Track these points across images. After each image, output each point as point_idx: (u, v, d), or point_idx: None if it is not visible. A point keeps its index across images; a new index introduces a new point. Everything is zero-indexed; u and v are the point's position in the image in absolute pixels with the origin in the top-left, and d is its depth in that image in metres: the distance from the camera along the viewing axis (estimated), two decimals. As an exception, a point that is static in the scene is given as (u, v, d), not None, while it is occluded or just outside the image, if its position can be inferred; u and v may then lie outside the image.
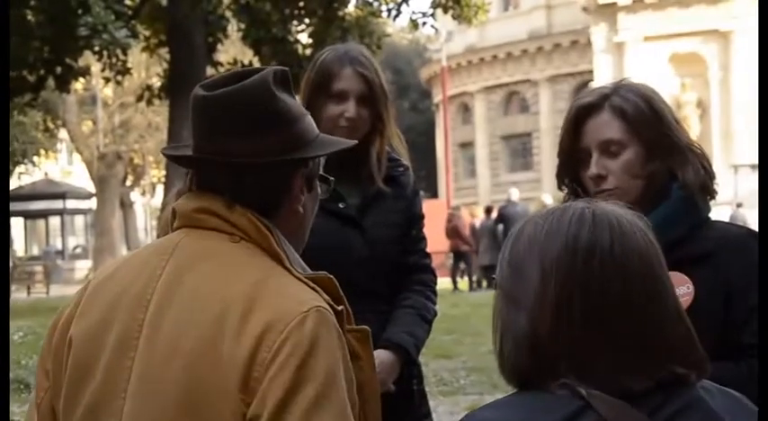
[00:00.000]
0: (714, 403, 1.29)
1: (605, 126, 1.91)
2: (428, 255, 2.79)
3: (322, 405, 1.35)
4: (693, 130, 29.79)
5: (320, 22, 15.50)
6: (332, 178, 1.67)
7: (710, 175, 1.94)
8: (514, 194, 20.32)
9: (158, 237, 2.13)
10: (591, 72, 32.85)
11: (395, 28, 41.14)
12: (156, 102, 16.82)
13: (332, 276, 1.52)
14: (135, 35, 14.23)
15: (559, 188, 2.04)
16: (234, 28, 16.32)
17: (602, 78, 31.80)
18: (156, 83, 17.54)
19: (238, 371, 1.37)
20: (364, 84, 2.58)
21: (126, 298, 1.49)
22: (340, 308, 1.48)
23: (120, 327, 1.48)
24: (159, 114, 28.30)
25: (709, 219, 1.94)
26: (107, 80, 16.29)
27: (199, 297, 1.44)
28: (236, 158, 1.49)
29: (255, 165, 1.50)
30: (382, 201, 2.64)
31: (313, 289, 1.47)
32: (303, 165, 1.55)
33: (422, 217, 2.78)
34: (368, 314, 2.52)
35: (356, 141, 1.69)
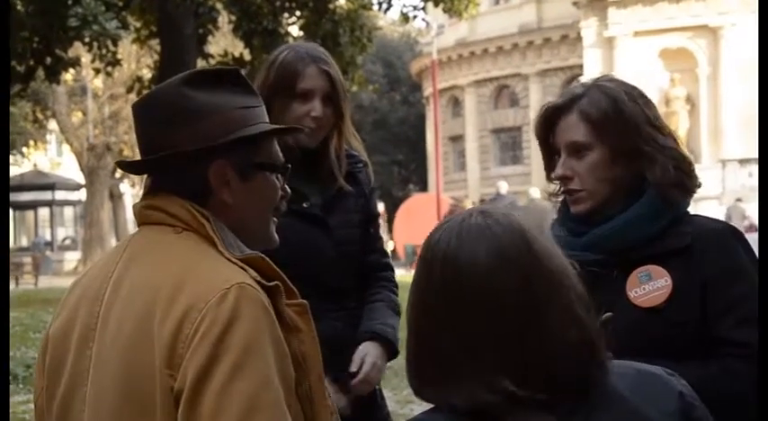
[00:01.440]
0: (627, 389, 1.30)
1: (572, 128, 1.96)
2: (387, 254, 2.80)
3: (240, 376, 1.40)
4: (682, 126, 29.91)
5: (311, 15, 15.51)
6: (287, 166, 1.71)
7: (686, 172, 1.96)
8: (503, 187, 20.36)
9: None
10: (581, 66, 32.92)
11: (386, 21, 41.15)
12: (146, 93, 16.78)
13: (263, 255, 1.59)
14: (125, 26, 14.21)
15: (547, 180, 2.08)
16: (224, 20, 16.31)
17: (592, 73, 31.87)
18: (147, 74, 17.52)
19: (165, 348, 1.44)
20: (328, 82, 2.55)
21: (87, 295, 1.61)
22: (272, 283, 1.53)
23: (81, 323, 1.59)
24: (149, 106, 28.14)
25: (687, 213, 1.97)
26: (97, 71, 16.25)
27: (137, 286, 1.54)
28: (156, 153, 1.58)
29: (175, 159, 1.58)
30: (344, 199, 2.62)
31: (242, 268, 1.53)
32: (220, 155, 1.59)
33: (378, 215, 2.79)
34: (340, 312, 2.54)
35: (272, 127, 1.70)
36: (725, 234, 1.93)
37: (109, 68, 15.38)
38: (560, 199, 2.07)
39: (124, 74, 25.64)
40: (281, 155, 1.71)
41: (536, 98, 38.31)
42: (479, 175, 39.23)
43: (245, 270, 1.53)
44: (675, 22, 30.40)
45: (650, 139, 1.93)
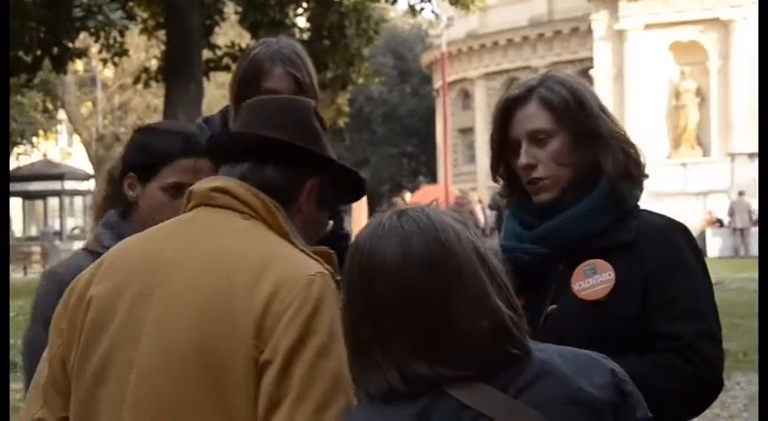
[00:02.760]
0: (561, 364, 1.36)
1: (533, 116, 1.96)
2: None
3: (325, 354, 1.51)
4: (692, 119, 29.79)
5: (317, 7, 15.52)
6: (341, 212, 1.82)
7: (635, 163, 1.97)
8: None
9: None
10: (591, 59, 32.81)
11: (397, 12, 41.09)
12: (154, 84, 16.83)
13: (332, 251, 1.70)
14: (131, 17, 14.25)
15: (494, 180, 2.09)
16: (231, 11, 16.32)
17: (603, 65, 31.80)
18: (154, 65, 17.56)
19: (252, 320, 1.53)
20: (294, 84, 2.60)
21: (141, 264, 1.66)
22: (338, 278, 1.61)
23: (134, 288, 1.63)
24: (158, 96, 28.24)
25: (636, 208, 1.97)
26: (104, 61, 16.30)
27: (212, 259, 1.60)
28: (259, 139, 1.68)
29: (277, 154, 1.68)
30: None
31: (315, 259, 1.63)
32: (317, 175, 1.72)
33: (348, 235, 2.79)
34: None
35: (363, 181, 1.83)
36: (667, 229, 1.93)
37: (116, 59, 15.44)
38: (508, 197, 2.08)
39: (133, 64, 25.70)
40: None
41: (546, 91, 38.20)
42: (488, 168, 39.15)
43: (320, 262, 1.63)
44: (686, 15, 30.22)
45: (605, 125, 1.95)
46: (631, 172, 1.95)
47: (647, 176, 1.99)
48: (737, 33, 29.73)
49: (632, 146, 1.98)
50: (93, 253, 2.12)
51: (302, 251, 1.65)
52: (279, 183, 1.69)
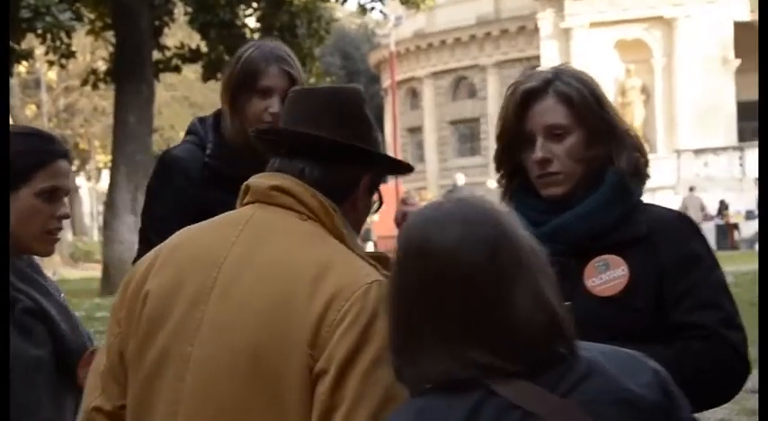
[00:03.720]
0: (606, 363, 1.35)
1: (551, 111, 1.94)
2: None
3: (380, 365, 1.49)
4: (637, 116, 30.24)
5: (268, 7, 15.44)
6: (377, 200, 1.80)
7: (644, 160, 1.99)
8: (460, 180, 20.51)
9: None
10: (538, 57, 33.11)
11: (344, 12, 41.06)
12: (102, 86, 16.61)
13: (389, 255, 1.66)
14: (79, 18, 14.04)
15: (498, 170, 2.08)
16: (180, 12, 16.18)
17: (549, 64, 31.92)
18: (102, 66, 17.33)
19: (308, 328, 1.53)
20: (289, 81, 2.64)
21: (200, 259, 1.66)
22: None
23: (193, 284, 1.64)
24: (105, 98, 27.87)
25: (640, 202, 1.99)
26: (51, 63, 16.05)
27: (272, 263, 1.60)
28: (316, 140, 1.66)
29: (335, 154, 1.67)
30: None
31: (372, 265, 1.63)
32: (373, 168, 1.71)
33: None
34: None
35: (412, 169, 1.83)
36: (679, 222, 1.96)
37: (63, 60, 15.21)
38: (508, 191, 2.07)
39: (79, 66, 25.34)
40: None
41: (494, 89, 38.48)
42: (438, 167, 39.36)
43: (376, 267, 1.62)
44: (631, 13, 30.70)
45: (619, 122, 1.97)
46: (640, 169, 1.97)
47: (649, 176, 2.00)
48: (680, 31, 30.28)
49: (642, 145, 2.00)
50: None
51: (359, 256, 1.64)
52: (336, 182, 1.68)
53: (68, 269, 23.44)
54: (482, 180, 30.60)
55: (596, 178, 1.95)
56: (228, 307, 1.59)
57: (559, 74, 1.97)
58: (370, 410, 1.49)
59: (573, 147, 1.94)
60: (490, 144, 38.82)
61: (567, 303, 1.87)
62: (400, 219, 18.76)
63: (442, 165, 39.22)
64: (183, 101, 31.72)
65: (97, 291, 14.36)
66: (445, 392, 1.33)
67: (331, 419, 1.50)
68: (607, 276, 1.88)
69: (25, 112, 31.08)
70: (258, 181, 1.71)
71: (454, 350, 1.32)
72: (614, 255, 1.89)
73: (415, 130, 41.30)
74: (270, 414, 1.54)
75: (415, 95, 41.85)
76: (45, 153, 2.06)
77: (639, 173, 1.97)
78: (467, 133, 40.07)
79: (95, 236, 35.38)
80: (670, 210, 2.02)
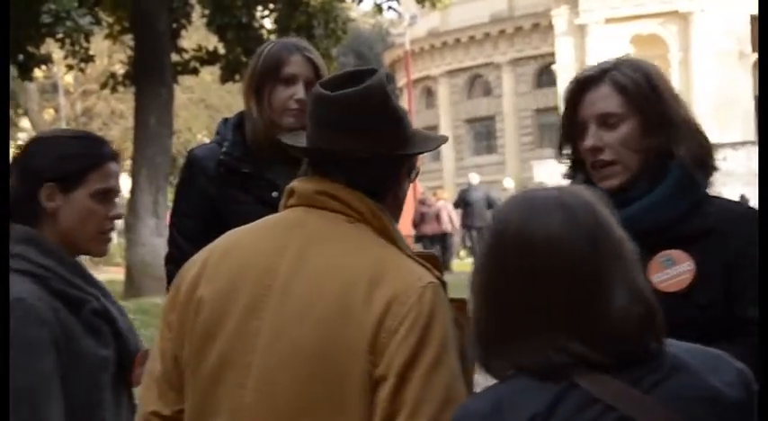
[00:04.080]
0: (690, 361, 1.36)
1: (604, 99, 1.93)
2: None
3: (439, 367, 1.56)
4: (655, 111, 30.12)
5: (285, 8, 15.44)
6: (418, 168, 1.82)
7: (708, 151, 1.95)
8: (474, 179, 20.55)
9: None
10: (553, 55, 33.05)
11: (358, 12, 41.05)
12: (121, 89, 16.68)
13: (436, 254, 1.75)
14: (98, 22, 14.10)
15: (559, 161, 2.07)
16: (198, 14, 16.22)
17: (564, 61, 32.02)
18: (120, 70, 17.39)
19: (367, 335, 1.57)
20: (312, 69, 2.70)
21: (253, 266, 1.68)
22: (444, 281, 1.69)
23: (248, 293, 1.66)
24: (123, 102, 28.03)
25: (707, 195, 1.96)
26: (70, 67, 16.12)
27: (327, 269, 1.64)
28: (355, 152, 1.67)
29: (371, 158, 1.69)
30: None
31: (423, 265, 1.66)
32: (408, 158, 1.74)
33: None
34: None
35: (446, 139, 1.87)
36: (749, 216, 1.93)
37: (82, 65, 15.27)
38: (570, 179, 2.05)
39: (96, 70, 25.46)
40: None
41: (509, 87, 38.42)
42: (454, 165, 39.31)
43: (428, 268, 1.66)
44: (646, 8, 30.58)
45: (678, 111, 1.94)
46: (704, 160, 1.94)
47: (717, 169, 1.97)
48: (696, 25, 30.14)
49: (704, 135, 1.96)
50: (24, 273, 2.00)
51: (410, 256, 1.67)
52: (376, 183, 1.71)
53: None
54: (497, 178, 30.55)
55: (659, 170, 1.92)
56: (287, 314, 1.62)
57: (619, 64, 1.97)
58: (430, 414, 1.53)
59: (627, 136, 1.92)
60: (506, 142, 38.83)
61: None
62: (418, 221, 18.80)
63: (458, 164, 39.17)
64: (200, 103, 31.81)
65: (120, 294, 14.43)
66: (529, 380, 1.35)
67: None
68: (673, 271, 1.87)
69: (44, 117, 31.28)
70: (303, 185, 1.72)
71: (550, 338, 1.34)
72: (679, 249, 1.87)
73: (431, 129, 41.20)
74: (331, 418, 1.58)
75: (430, 94, 41.82)
76: (98, 155, 2.12)
77: (704, 164, 1.94)
78: (482, 131, 40.01)
79: (115, 238, 35.54)
80: (738, 202, 1.99)
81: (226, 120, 2.87)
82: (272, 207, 2.62)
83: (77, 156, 2.09)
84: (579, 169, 2.03)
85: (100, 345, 2.05)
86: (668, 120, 1.92)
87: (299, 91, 2.67)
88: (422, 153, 1.76)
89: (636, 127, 1.92)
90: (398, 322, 1.57)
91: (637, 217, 1.89)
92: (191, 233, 2.68)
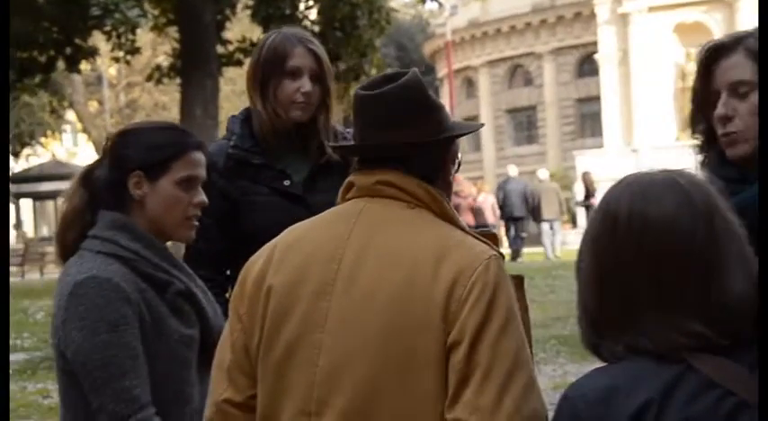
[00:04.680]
0: None
1: (737, 67, 1.87)
2: None
3: (506, 335, 1.65)
4: (699, 100, 29.77)
5: (328, -1, 15.50)
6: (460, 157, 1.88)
7: None
8: (512, 170, 20.53)
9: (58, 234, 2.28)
10: (595, 44, 32.78)
11: (398, 3, 41.02)
12: (165, 81, 16.85)
13: (494, 231, 1.83)
14: (144, 14, 14.26)
15: (692, 135, 2.01)
16: (242, 5, 16.32)
17: (606, 50, 31.75)
18: (165, 62, 17.57)
19: (439, 306, 1.65)
20: (315, 61, 2.72)
21: (318, 255, 1.76)
22: (503, 255, 1.77)
23: (315, 280, 1.74)
24: (166, 94, 28.33)
25: None
26: (116, 60, 16.32)
27: (391, 252, 1.71)
28: (405, 141, 1.76)
29: (420, 147, 1.77)
30: (329, 177, 2.67)
31: (484, 242, 1.74)
32: (452, 142, 1.82)
33: None
34: None
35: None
36: None
37: (128, 57, 15.46)
38: (703, 154, 1.97)
39: (140, 62, 25.70)
40: None
41: (550, 77, 38.18)
42: (495, 156, 39.18)
43: (488, 244, 1.74)
44: (690, -4, 30.21)
45: None
46: None
47: None
48: (742, 13, 29.68)
49: None
50: (112, 256, 2.11)
51: (471, 234, 1.75)
52: (427, 170, 1.79)
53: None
54: (540, 168, 30.43)
55: None
56: (355, 296, 1.69)
57: (754, 33, 1.89)
58: (500, 376, 1.61)
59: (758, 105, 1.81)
60: (547, 132, 38.61)
61: None
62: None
63: (499, 154, 39.03)
64: (242, 94, 31.94)
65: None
66: (644, 364, 1.34)
67: (467, 385, 1.62)
68: None
69: (88, 109, 31.66)
70: (362, 177, 1.79)
71: (667, 319, 1.34)
72: None
73: (471, 119, 41.11)
74: (401, 390, 1.65)
75: (470, 84, 41.69)
76: (181, 145, 2.21)
77: None
78: (523, 121, 39.82)
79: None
80: None
81: (235, 115, 2.88)
82: (285, 196, 2.68)
83: (162, 146, 2.18)
84: (713, 143, 1.95)
85: (184, 325, 2.15)
86: None
87: (305, 84, 2.69)
88: (464, 135, 1.83)
89: None
90: (468, 291, 1.65)
91: (748, 203, 1.79)
92: (207, 231, 2.65)
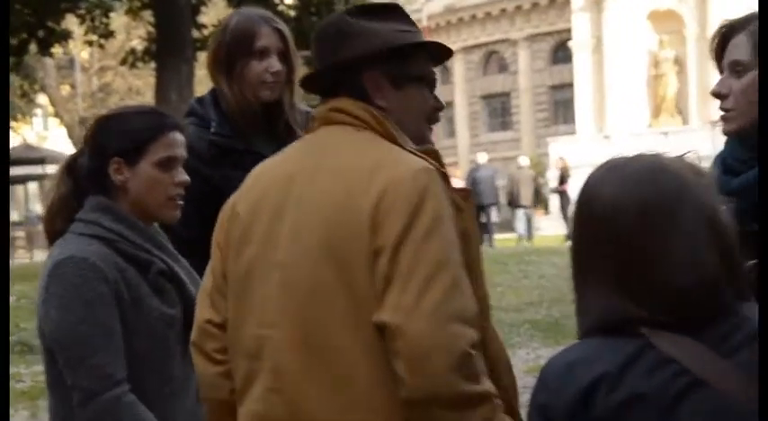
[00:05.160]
0: None
1: (737, 47, 1.93)
2: None
3: (431, 238, 1.70)
4: (671, 87, 29.98)
5: (304, -17, 15.46)
6: (435, 80, 1.94)
7: None
8: (482, 158, 20.68)
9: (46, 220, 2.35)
10: (569, 30, 32.89)
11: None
12: (140, 65, 16.75)
13: (436, 149, 1.87)
14: (118, -2, 14.18)
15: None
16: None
17: (581, 37, 31.88)
18: (139, 46, 17.46)
19: (368, 216, 1.73)
20: (281, 40, 2.74)
21: (276, 181, 1.89)
22: (444, 170, 1.82)
23: (272, 202, 1.86)
24: (140, 78, 28.09)
25: None
26: (90, 44, 16.21)
27: (335, 169, 1.81)
28: (329, 66, 1.88)
29: (342, 70, 1.88)
30: None
31: (422, 157, 1.81)
32: (373, 66, 1.87)
33: None
34: None
35: (419, 40, 1.94)
36: None
37: (101, 41, 15.36)
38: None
39: (114, 46, 25.50)
40: (432, 71, 1.96)
41: (524, 63, 38.28)
42: (469, 142, 39.28)
43: (426, 159, 1.80)
44: (663, -17, 30.36)
45: None
46: None
47: None
48: (713, 2, 29.89)
49: None
50: (94, 237, 2.17)
51: (409, 151, 1.82)
52: (354, 92, 1.87)
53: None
54: (513, 154, 30.52)
55: None
56: (303, 211, 1.80)
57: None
58: (421, 276, 1.67)
59: (749, 85, 1.89)
60: (522, 118, 38.74)
61: (753, 262, 1.69)
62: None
63: (474, 140, 39.12)
64: (217, 79, 31.89)
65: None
66: (602, 340, 1.40)
67: (390, 286, 1.68)
68: None
69: (60, 92, 31.38)
70: (319, 108, 1.92)
71: (609, 297, 1.39)
72: None
73: (446, 105, 41.06)
74: (343, 296, 1.74)
75: (445, 70, 41.68)
76: (157, 127, 2.24)
77: None
78: (498, 108, 39.92)
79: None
80: None
81: (199, 100, 2.85)
82: None
83: (138, 131, 2.22)
84: None
85: (166, 304, 2.20)
86: None
87: (273, 63, 2.70)
88: (385, 51, 1.87)
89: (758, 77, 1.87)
90: (393, 200, 1.71)
91: (739, 191, 1.87)
92: (189, 218, 2.63)
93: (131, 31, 25.29)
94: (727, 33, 1.96)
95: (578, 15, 32.11)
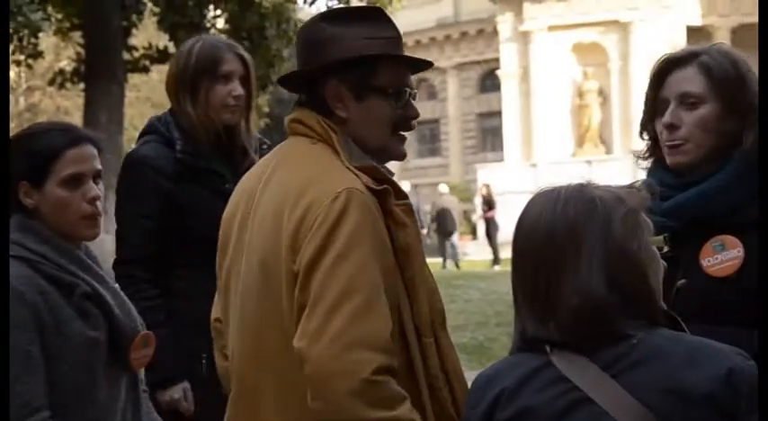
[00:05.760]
0: (675, 352, 1.40)
1: (688, 80, 1.96)
2: None
3: (343, 262, 1.71)
4: (594, 118, 30.69)
5: (236, 8, 15.51)
6: (404, 91, 1.92)
7: None
8: (405, 185, 20.88)
9: None
10: (497, 60, 33.45)
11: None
12: (69, 86, 16.57)
13: (375, 164, 1.85)
14: (48, 18, 14.04)
15: (641, 136, 2.08)
16: (149, 12, 16.21)
17: (508, 66, 32.47)
18: (68, 67, 17.28)
19: (289, 238, 1.77)
20: (243, 65, 2.88)
21: (246, 191, 1.98)
22: (381, 187, 1.80)
23: (241, 213, 1.96)
24: (68, 99, 27.72)
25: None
26: (18, 64, 15.98)
27: (278, 184, 1.87)
28: (297, 74, 1.92)
29: (297, 78, 1.93)
30: None
31: (356, 175, 1.81)
32: (334, 76, 1.87)
33: None
34: None
35: (431, 63, 1.99)
36: None
37: (30, 61, 15.16)
38: (648, 159, 2.06)
39: (42, 66, 25.16)
40: (408, 82, 1.93)
41: (454, 91, 38.81)
42: (399, 167, 39.52)
43: (359, 176, 1.81)
44: (588, 17, 31.13)
45: (755, 104, 1.93)
46: None
47: None
48: (636, 35, 30.77)
49: None
50: (20, 259, 2.08)
51: (348, 168, 1.82)
52: (316, 102, 1.89)
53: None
54: (442, 180, 30.85)
55: (725, 157, 1.92)
56: (256, 225, 1.87)
57: (710, 49, 1.99)
58: (328, 301, 1.68)
59: (704, 118, 1.93)
60: (450, 145, 39.19)
61: (682, 281, 1.84)
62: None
63: (403, 165, 39.40)
64: (147, 101, 31.60)
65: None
66: (517, 357, 1.52)
67: (302, 313, 1.71)
68: (722, 257, 1.87)
69: (-16, 112, 30.69)
70: (287, 118, 1.95)
71: (526, 316, 1.50)
72: (733, 236, 1.87)
73: (376, 131, 41.42)
74: (274, 316, 1.79)
75: (375, 97, 42.02)
76: (57, 146, 2.14)
77: None
78: (426, 134, 40.31)
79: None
80: None
81: (159, 118, 2.94)
82: (226, 198, 2.80)
83: (39, 151, 2.13)
84: (656, 149, 2.05)
85: (89, 327, 2.11)
86: (747, 107, 1.92)
87: (236, 87, 2.83)
88: (345, 64, 1.86)
89: (714, 110, 1.93)
90: (311, 223, 1.74)
91: (691, 203, 1.92)
92: (149, 233, 2.74)
93: (60, 52, 25.00)
94: (670, 65, 2.00)
95: (506, 46, 32.71)
